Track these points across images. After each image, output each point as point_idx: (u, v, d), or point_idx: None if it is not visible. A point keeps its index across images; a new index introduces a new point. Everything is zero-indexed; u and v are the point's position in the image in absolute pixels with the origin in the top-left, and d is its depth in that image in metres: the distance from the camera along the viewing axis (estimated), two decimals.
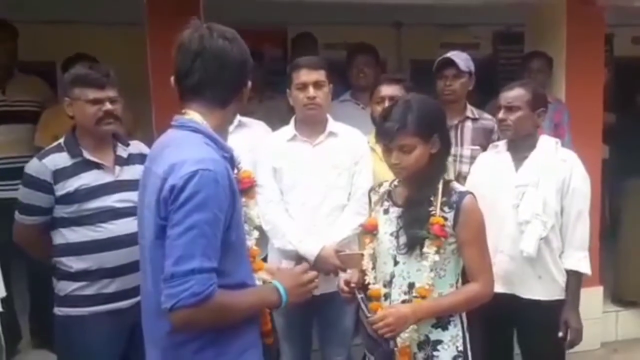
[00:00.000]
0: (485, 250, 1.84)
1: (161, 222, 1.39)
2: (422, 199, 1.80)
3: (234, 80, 1.51)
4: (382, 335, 1.73)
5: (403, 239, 1.81)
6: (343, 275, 1.99)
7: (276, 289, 1.54)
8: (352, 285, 1.92)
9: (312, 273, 1.64)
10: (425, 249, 1.77)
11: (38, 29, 4.21)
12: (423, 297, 1.77)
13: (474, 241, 1.79)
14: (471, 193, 1.82)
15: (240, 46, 1.51)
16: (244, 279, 1.52)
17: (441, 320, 1.82)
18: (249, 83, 1.56)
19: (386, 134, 1.78)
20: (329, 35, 4.80)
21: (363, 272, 1.94)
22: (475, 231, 1.79)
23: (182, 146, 1.44)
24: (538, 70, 3.40)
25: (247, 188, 1.78)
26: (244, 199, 1.74)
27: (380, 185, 1.98)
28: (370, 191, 2.02)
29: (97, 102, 2.07)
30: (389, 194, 1.93)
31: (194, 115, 1.49)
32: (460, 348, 1.81)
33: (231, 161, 1.54)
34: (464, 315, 1.85)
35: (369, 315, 1.77)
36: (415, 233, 1.78)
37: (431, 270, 1.77)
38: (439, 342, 1.81)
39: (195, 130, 1.46)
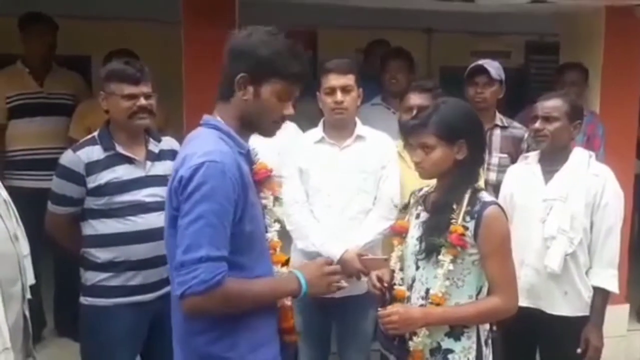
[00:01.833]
0: (509, 263, 1.79)
1: (173, 212, 1.44)
2: (445, 206, 1.79)
3: (227, 72, 1.50)
4: (387, 331, 1.76)
5: (424, 245, 1.81)
6: (374, 272, 1.97)
7: (296, 278, 1.55)
8: (385, 283, 1.91)
9: (336, 266, 1.65)
10: (440, 257, 1.76)
11: (75, 24, 4.30)
12: (437, 304, 1.76)
13: (495, 253, 1.75)
14: (496, 204, 1.79)
15: (254, 38, 1.48)
16: (264, 273, 1.54)
17: (454, 330, 1.79)
18: (267, 77, 1.48)
19: (405, 128, 1.81)
20: (358, 40, 4.81)
21: (393, 272, 1.94)
22: (497, 244, 1.75)
23: (197, 140, 1.49)
24: (572, 82, 3.33)
25: (263, 179, 1.75)
26: (262, 192, 1.74)
27: (420, 189, 1.98)
28: (410, 194, 2.02)
29: (131, 97, 2.11)
30: (424, 199, 1.93)
31: (216, 116, 1.55)
32: None
33: (247, 157, 1.57)
34: (482, 328, 1.81)
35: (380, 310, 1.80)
36: (432, 240, 1.77)
37: (447, 278, 1.76)
38: (450, 351, 1.79)
39: (214, 127, 1.51)
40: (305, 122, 2.72)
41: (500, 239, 1.76)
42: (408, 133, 1.82)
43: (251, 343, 1.51)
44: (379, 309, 1.81)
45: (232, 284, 1.41)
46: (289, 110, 1.55)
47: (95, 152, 2.12)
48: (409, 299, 1.87)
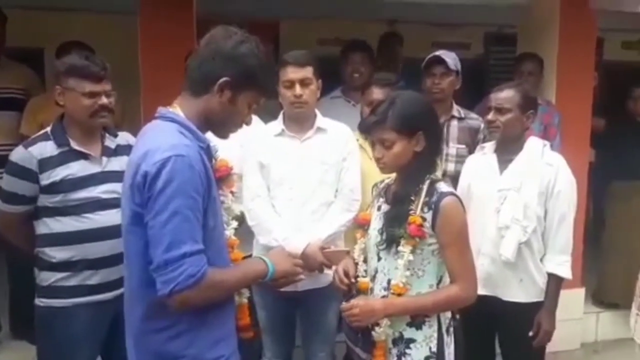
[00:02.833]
0: (466, 252, 1.82)
1: (135, 208, 1.42)
2: (404, 197, 1.81)
3: (208, 70, 1.50)
4: (351, 324, 1.80)
5: (384, 236, 1.83)
6: (340, 266, 1.99)
7: (261, 260, 1.62)
8: (352, 278, 1.92)
9: (298, 260, 1.73)
10: (400, 248, 1.78)
11: (27, 15, 4.16)
12: (398, 295, 1.79)
13: (452, 243, 1.78)
14: (453, 194, 1.81)
15: (245, 47, 1.50)
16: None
17: (415, 320, 1.82)
18: (247, 84, 1.52)
19: (364, 126, 1.83)
20: (321, 31, 4.79)
21: (356, 265, 1.96)
22: (455, 233, 1.78)
23: (156, 133, 1.48)
24: (529, 72, 3.42)
25: (224, 176, 1.78)
26: (222, 189, 1.75)
27: (382, 181, 2.00)
28: (373, 186, 2.03)
29: (93, 95, 2.06)
30: (386, 191, 1.94)
31: (175, 108, 1.54)
32: (434, 349, 1.81)
33: (208, 151, 1.57)
34: (443, 316, 1.85)
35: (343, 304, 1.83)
36: (392, 231, 1.79)
37: (407, 269, 1.78)
38: (412, 340, 1.82)
39: (172, 120, 1.50)
40: (266, 115, 2.70)
41: (457, 228, 1.78)
42: (366, 130, 1.82)
43: (209, 340, 1.51)
44: (344, 302, 1.83)
45: (213, 274, 1.44)
46: (250, 118, 1.61)
47: (48, 148, 2.06)
48: (372, 290, 1.89)
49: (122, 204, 1.51)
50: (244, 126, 2.60)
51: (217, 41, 1.51)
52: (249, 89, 1.53)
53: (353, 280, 1.92)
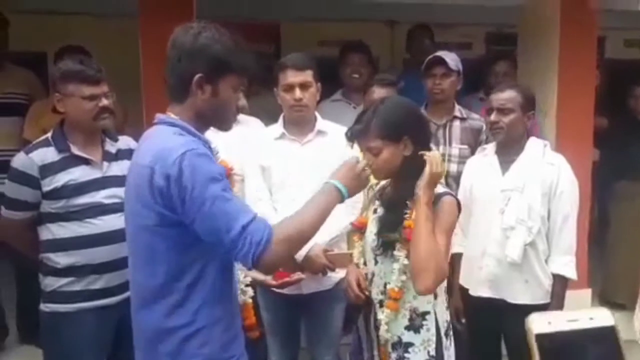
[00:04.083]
0: (443, 239, 1.74)
1: (161, 210, 1.43)
2: (399, 201, 1.81)
3: (180, 73, 1.49)
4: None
5: (380, 240, 1.83)
6: (351, 279, 1.96)
7: (332, 187, 1.59)
8: (366, 291, 1.90)
9: (363, 162, 1.67)
10: (395, 252, 1.78)
11: (29, 19, 4.17)
12: (394, 299, 1.79)
13: (437, 227, 1.72)
14: (450, 194, 1.81)
15: (204, 37, 1.48)
16: (225, 260, 1.55)
17: (413, 323, 1.82)
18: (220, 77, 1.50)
19: (350, 136, 1.83)
20: (322, 32, 4.79)
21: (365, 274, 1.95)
22: (443, 219, 1.74)
23: (161, 137, 1.48)
24: (505, 73, 3.39)
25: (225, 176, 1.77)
26: None
27: (377, 184, 1.99)
28: (368, 189, 2.02)
29: (93, 98, 2.06)
30: (381, 194, 1.94)
31: (169, 114, 1.54)
32: (433, 353, 1.80)
33: (211, 151, 1.56)
34: (440, 320, 1.84)
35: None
36: (387, 235, 1.79)
37: (403, 273, 1.77)
38: (411, 344, 1.81)
39: (173, 124, 1.51)
40: (266, 116, 2.71)
41: (446, 215, 1.76)
42: (353, 139, 1.82)
43: (222, 340, 1.53)
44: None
45: (281, 229, 1.45)
46: (242, 100, 1.60)
47: (49, 154, 2.06)
48: (369, 292, 1.90)
49: (133, 208, 1.51)
50: (248, 128, 2.62)
51: (178, 41, 1.49)
52: (226, 75, 1.50)
53: (367, 292, 1.91)
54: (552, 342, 0.86)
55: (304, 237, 1.51)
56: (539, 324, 0.88)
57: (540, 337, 0.87)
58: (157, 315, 1.49)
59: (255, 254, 1.40)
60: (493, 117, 2.30)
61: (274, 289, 2.20)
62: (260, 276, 1.95)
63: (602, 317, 0.89)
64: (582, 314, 0.89)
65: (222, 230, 1.40)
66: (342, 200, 1.59)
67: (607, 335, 0.88)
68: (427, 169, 1.72)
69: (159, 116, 1.55)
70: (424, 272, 1.67)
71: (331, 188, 1.58)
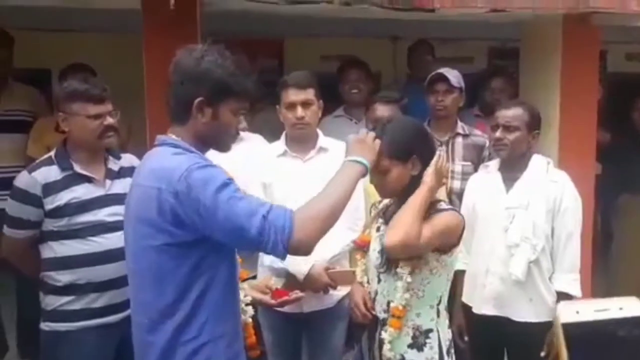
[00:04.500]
0: (422, 232, 1.72)
1: (169, 228, 1.44)
2: None
3: (182, 96, 1.52)
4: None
5: (384, 258, 1.83)
6: (358, 299, 1.97)
7: (353, 162, 1.61)
8: (372, 310, 1.90)
9: (371, 134, 1.72)
10: (399, 270, 1.78)
11: (34, 36, 4.20)
12: (397, 317, 1.78)
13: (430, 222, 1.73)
14: (454, 210, 1.82)
15: (206, 61, 1.50)
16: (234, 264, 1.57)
17: (417, 341, 1.81)
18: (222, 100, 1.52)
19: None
20: (325, 48, 4.81)
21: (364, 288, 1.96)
22: (436, 225, 1.73)
23: (163, 157, 1.50)
24: (501, 90, 3.37)
25: None
26: None
27: (381, 201, 1.99)
28: (371, 207, 2.03)
29: (98, 116, 2.08)
30: (384, 212, 1.93)
31: (170, 136, 1.56)
32: None
33: None
34: (443, 338, 1.83)
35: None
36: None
37: (406, 290, 1.77)
38: None
39: (174, 145, 1.53)
40: (269, 131, 2.71)
41: (443, 219, 1.75)
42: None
43: (227, 355, 1.54)
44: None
45: (302, 212, 1.44)
46: (242, 123, 1.61)
47: (52, 173, 2.07)
48: (373, 309, 1.90)
49: (135, 229, 1.52)
50: (251, 145, 2.63)
51: (180, 65, 1.52)
52: (227, 99, 1.53)
53: (373, 312, 1.91)
54: (580, 331, 0.85)
55: (333, 212, 1.50)
56: (566, 313, 0.87)
57: (567, 327, 0.86)
58: (166, 334, 1.50)
59: (282, 240, 1.40)
60: (498, 134, 2.30)
61: (275, 308, 2.19)
62: (259, 295, 1.94)
63: (632, 306, 0.88)
64: (612, 303, 0.89)
65: (244, 228, 1.40)
66: (366, 171, 1.62)
67: (637, 324, 0.87)
68: (434, 160, 1.76)
69: (160, 137, 1.57)
70: (396, 229, 1.70)
71: (351, 164, 1.61)
